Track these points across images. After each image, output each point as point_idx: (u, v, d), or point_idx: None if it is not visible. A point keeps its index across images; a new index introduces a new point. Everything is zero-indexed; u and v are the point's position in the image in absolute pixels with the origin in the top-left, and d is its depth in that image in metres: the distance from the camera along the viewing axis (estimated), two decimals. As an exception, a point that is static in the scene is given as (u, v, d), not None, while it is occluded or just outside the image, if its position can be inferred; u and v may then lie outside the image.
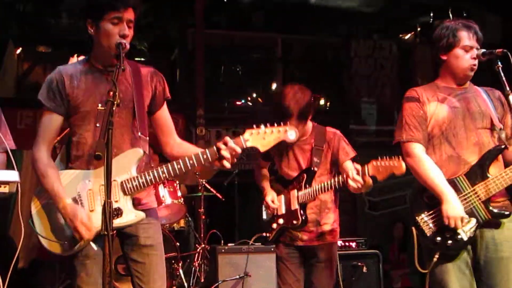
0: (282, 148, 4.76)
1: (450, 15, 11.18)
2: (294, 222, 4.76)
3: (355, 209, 11.30)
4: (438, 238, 3.80)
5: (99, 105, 3.28)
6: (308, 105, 4.62)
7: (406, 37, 12.52)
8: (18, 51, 11.08)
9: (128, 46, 3.28)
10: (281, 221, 4.83)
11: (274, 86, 12.32)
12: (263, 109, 11.78)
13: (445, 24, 4.00)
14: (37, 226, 3.34)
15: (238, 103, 12.25)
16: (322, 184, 4.63)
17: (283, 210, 4.84)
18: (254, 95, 12.58)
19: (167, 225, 6.91)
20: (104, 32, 3.31)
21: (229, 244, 6.22)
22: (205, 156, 3.35)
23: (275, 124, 3.44)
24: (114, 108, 2.87)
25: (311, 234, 4.79)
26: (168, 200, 6.58)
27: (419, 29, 12.15)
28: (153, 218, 3.57)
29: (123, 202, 3.33)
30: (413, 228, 3.92)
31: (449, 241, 3.76)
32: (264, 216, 4.97)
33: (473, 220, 3.76)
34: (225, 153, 3.31)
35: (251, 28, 11.82)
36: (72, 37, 10.63)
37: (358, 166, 4.39)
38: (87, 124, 3.39)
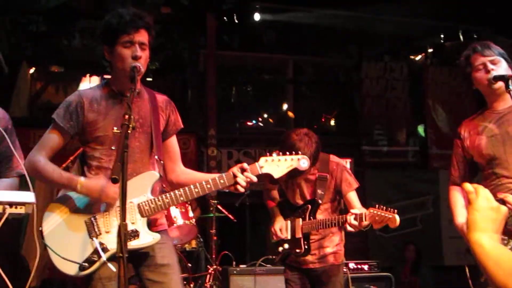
0: (287, 178, 4.80)
1: (461, 37, 11.20)
2: (297, 250, 4.82)
3: (366, 231, 11.21)
4: None
5: (115, 128, 3.30)
6: (318, 150, 4.63)
7: (417, 58, 12.54)
8: (31, 71, 11.16)
9: (143, 70, 3.32)
10: (286, 245, 4.89)
11: (285, 107, 12.35)
12: (274, 130, 11.80)
13: (462, 56, 4.05)
14: (52, 245, 3.32)
15: (249, 123, 12.27)
16: (326, 220, 4.69)
17: (288, 236, 4.89)
18: (265, 115, 12.61)
19: (179, 245, 6.89)
20: (118, 56, 3.35)
21: (241, 266, 6.21)
22: (222, 181, 3.41)
23: (287, 153, 3.56)
24: (129, 131, 2.88)
25: (314, 256, 4.84)
26: (180, 220, 6.56)
27: (430, 50, 12.16)
28: (167, 239, 3.60)
29: (140, 224, 3.35)
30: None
31: None
32: (272, 239, 5.01)
33: None
34: (240, 180, 3.39)
35: (263, 49, 11.87)
36: (84, 57, 10.74)
37: (357, 211, 4.45)
38: (106, 148, 3.41)
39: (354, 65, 12.09)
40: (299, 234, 4.82)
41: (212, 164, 9.98)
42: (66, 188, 3.39)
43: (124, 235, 2.74)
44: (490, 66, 3.89)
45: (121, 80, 3.43)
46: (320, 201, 4.85)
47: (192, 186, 3.41)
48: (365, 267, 6.92)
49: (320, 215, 4.80)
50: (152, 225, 3.47)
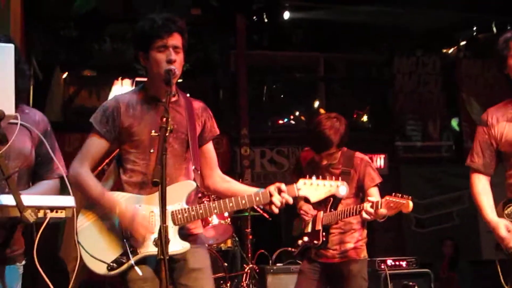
0: (314, 171, 4.80)
1: (494, 29, 11.06)
2: (315, 242, 4.85)
3: (401, 226, 11.17)
4: None
5: (153, 131, 3.33)
6: (346, 133, 4.72)
7: (450, 51, 12.40)
8: (64, 75, 11.30)
9: (177, 73, 3.33)
10: (306, 239, 4.92)
11: (316, 104, 12.31)
12: (306, 128, 11.78)
13: (500, 37, 3.92)
14: (83, 243, 3.36)
15: (281, 122, 12.26)
16: (344, 210, 4.73)
17: (309, 229, 4.93)
18: (297, 113, 12.58)
19: (215, 245, 6.92)
20: (153, 61, 3.37)
21: (278, 264, 6.20)
22: (257, 198, 3.43)
23: (327, 178, 3.60)
24: (167, 134, 2.90)
25: (334, 252, 4.86)
26: (215, 220, 6.59)
27: (462, 43, 12.02)
28: (200, 243, 3.61)
29: (171, 231, 3.33)
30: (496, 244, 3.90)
31: None
32: (294, 232, 5.07)
33: None
34: (276, 200, 3.40)
35: (293, 47, 11.85)
36: (115, 61, 10.82)
37: (373, 199, 4.51)
38: (141, 152, 3.43)
39: (385, 60, 12.00)
40: (319, 226, 4.85)
41: (245, 163, 9.99)
42: (103, 207, 3.38)
43: (165, 237, 2.77)
44: None
45: (156, 85, 3.44)
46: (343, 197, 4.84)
47: (227, 200, 3.43)
48: (403, 263, 6.84)
49: (342, 208, 4.81)
50: (185, 230, 3.49)
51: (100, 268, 3.33)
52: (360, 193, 4.92)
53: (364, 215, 4.48)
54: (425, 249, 10.50)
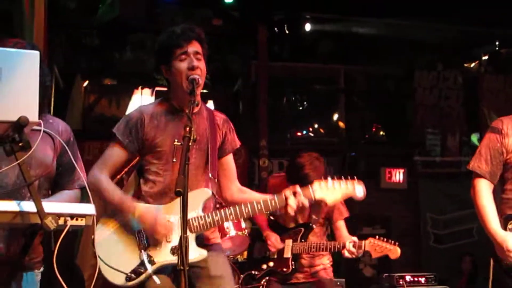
0: None
1: (516, 44, 10.99)
2: (285, 269, 4.99)
3: (419, 242, 11.10)
4: None
5: (176, 140, 3.34)
6: (325, 172, 4.82)
7: (471, 66, 12.33)
8: (85, 84, 11.36)
9: (201, 81, 3.33)
10: (271, 264, 5.06)
11: (335, 117, 12.28)
12: (324, 140, 11.75)
13: None
14: (101, 254, 3.36)
15: (299, 134, 12.23)
16: (319, 245, 4.93)
17: (275, 255, 5.06)
18: (316, 126, 12.55)
19: (231, 256, 6.88)
20: (175, 71, 3.39)
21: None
22: (273, 203, 3.44)
23: (343, 178, 3.55)
24: (190, 143, 2.90)
25: (305, 273, 5.06)
26: (232, 231, 6.54)
27: (484, 58, 11.94)
28: (221, 251, 3.62)
29: (188, 239, 3.35)
30: (492, 259, 3.81)
31: None
32: (255, 254, 5.19)
33: None
34: (292, 203, 3.41)
35: (314, 59, 11.84)
36: (136, 70, 10.87)
37: (355, 239, 4.76)
38: (164, 163, 3.44)
39: (406, 74, 11.95)
40: (287, 254, 4.99)
41: (263, 175, 9.97)
42: (122, 211, 3.41)
43: (186, 247, 2.76)
44: None
45: (180, 95, 3.45)
46: (314, 226, 5.08)
47: (242, 206, 3.44)
48: (422, 279, 6.80)
49: (311, 238, 5.04)
50: (205, 239, 3.49)
51: (118, 279, 3.34)
52: (326, 222, 5.13)
53: (346, 254, 4.74)
54: (443, 265, 10.40)
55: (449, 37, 11.34)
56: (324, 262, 5.09)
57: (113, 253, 3.38)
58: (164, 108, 3.52)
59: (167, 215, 3.37)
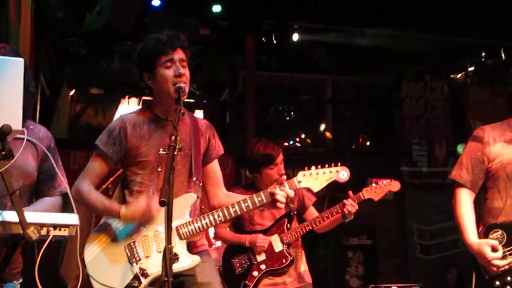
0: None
1: (503, 55, 11.05)
2: (284, 261, 4.86)
3: (406, 253, 11.10)
4: (497, 283, 3.63)
5: (161, 149, 3.30)
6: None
7: (458, 77, 12.39)
8: (71, 93, 11.30)
9: (187, 90, 3.31)
10: (263, 266, 4.89)
11: (323, 127, 12.29)
12: (311, 151, 11.75)
13: None
14: (93, 273, 3.32)
15: (286, 144, 12.23)
16: (314, 220, 4.88)
17: (262, 257, 4.91)
18: (303, 136, 12.55)
19: (217, 267, 6.85)
20: (161, 79, 3.36)
21: None
22: (259, 198, 3.41)
23: (326, 165, 3.58)
24: (175, 153, 2.87)
25: (292, 277, 4.92)
26: (218, 242, 6.54)
27: (470, 69, 12.00)
28: (209, 258, 3.59)
29: (178, 247, 3.33)
30: (474, 272, 3.79)
31: (508, 287, 3.62)
32: (237, 271, 4.96)
33: None
34: (280, 197, 3.38)
35: (301, 69, 11.86)
36: (123, 79, 10.83)
37: (351, 194, 4.79)
38: (149, 173, 3.41)
39: (393, 84, 11.99)
40: (279, 247, 4.89)
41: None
42: (109, 216, 3.39)
43: (170, 258, 2.73)
44: None
45: (165, 103, 3.42)
46: (294, 212, 5.02)
47: (230, 206, 3.41)
48: (408, 290, 6.81)
49: (293, 226, 4.98)
50: (192, 247, 3.46)
51: None
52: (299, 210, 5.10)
53: (348, 209, 4.71)
54: (429, 276, 10.42)
55: (436, 48, 11.40)
56: (304, 262, 5.03)
57: (105, 270, 3.33)
58: (147, 116, 3.48)
59: (155, 226, 3.35)
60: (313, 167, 3.54)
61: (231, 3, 9.91)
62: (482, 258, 3.61)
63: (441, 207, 11.09)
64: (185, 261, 3.32)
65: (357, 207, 4.77)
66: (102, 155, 3.42)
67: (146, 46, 3.43)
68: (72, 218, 2.63)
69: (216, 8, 9.85)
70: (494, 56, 11.38)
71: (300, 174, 3.52)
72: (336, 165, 3.59)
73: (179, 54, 3.39)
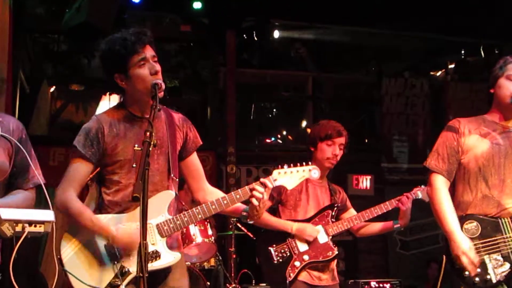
0: (300, 188, 4.92)
1: (482, 52, 11.13)
2: (329, 253, 4.79)
3: (387, 249, 11.15)
4: (467, 272, 3.67)
5: (136, 145, 3.28)
6: None
7: (438, 74, 12.46)
8: (52, 89, 11.23)
9: (163, 86, 3.28)
10: (306, 257, 4.80)
11: (304, 124, 12.32)
12: (293, 147, 11.77)
13: (502, 58, 3.89)
14: (73, 271, 3.27)
15: (268, 140, 12.25)
16: (363, 215, 4.95)
17: (305, 247, 4.82)
18: (284, 132, 12.58)
19: (198, 263, 6.86)
20: (136, 78, 3.30)
21: (261, 284, 6.14)
22: (238, 196, 3.44)
23: (298, 164, 3.64)
24: (150, 149, 2.86)
25: (327, 274, 4.86)
26: (198, 238, 6.53)
27: (451, 66, 12.08)
28: (181, 261, 3.54)
29: (160, 244, 3.33)
30: (444, 256, 3.82)
31: (477, 278, 3.65)
32: (275, 259, 4.82)
33: (507, 265, 3.65)
34: (257, 193, 3.42)
35: (282, 66, 11.87)
36: (104, 76, 10.78)
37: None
38: (126, 172, 3.38)
39: (374, 81, 12.04)
40: (324, 239, 4.83)
41: (231, 182, 9.95)
42: (94, 232, 3.32)
43: (145, 254, 2.72)
44: None
45: (141, 101, 3.38)
46: (338, 205, 5.04)
47: (209, 203, 3.42)
48: (387, 286, 6.83)
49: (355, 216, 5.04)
50: (169, 247, 3.44)
51: None
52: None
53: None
54: (410, 272, 10.48)
55: (417, 45, 11.46)
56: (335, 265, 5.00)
57: (85, 268, 3.29)
58: (122, 115, 3.44)
59: (133, 223, 3.31)
60: (285, 166, 3.59)
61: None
62: (459, 248, 3.65)
63: (421, 203, 11.12)
64: (166, 258, 3.32)
65: (410, 204, 4.97)
66: (82, 157, 3.36)
67: (114, 47, 3.31)
68: (48, 215, 2.62)
69: (197, 5, 9.82)
70: (473, 54, 11.45)
71: (275, 172, 3.55)
72: (307, 164, 3.64)
73: (149, 51, 3.34)
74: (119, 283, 3.26)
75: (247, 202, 3.52)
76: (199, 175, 3.70)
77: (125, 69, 3.30)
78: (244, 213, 3.57)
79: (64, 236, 3.35)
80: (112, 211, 3.38)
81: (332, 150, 4.94)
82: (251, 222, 3.72)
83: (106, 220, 3.34)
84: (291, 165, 3.62)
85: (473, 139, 3.82)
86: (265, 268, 4.88)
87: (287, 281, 4.72)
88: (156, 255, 3.30)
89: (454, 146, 3.86)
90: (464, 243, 3.64)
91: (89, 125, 3.42)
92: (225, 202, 3.42)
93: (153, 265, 3.26)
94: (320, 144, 4.96)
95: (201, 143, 3.69)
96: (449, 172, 3.87)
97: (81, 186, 3.43)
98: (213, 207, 3.41)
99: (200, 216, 3.41)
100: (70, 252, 3.30)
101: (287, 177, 3.57)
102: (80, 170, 3.38)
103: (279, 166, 3.60)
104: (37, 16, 9.77)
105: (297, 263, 4.76)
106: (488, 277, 3.63)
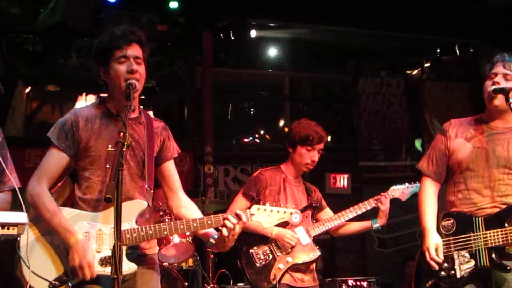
0: (278, 189, 4.86)
1: (457, 51, 11.20)
2: (312, 255, 4.80)
3: (364, 247, 11.19)
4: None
5: (109, 146, 3.26)
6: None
7: (414, 73, 12.53)
8: (27, 90, 11.12)
9: (138, 86, 3.28)
10: (289, 259, 4.79)
11: (281, 123, 12.32)
12: (270, 147, 11.77)
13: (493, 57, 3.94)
14: (25, 257, 3.22)
15: (246, 140, 12.24)
16: (345, 213, 4.98)
17: (288, 249, 4.82)
18: (262, 132, 12.57)
19: (175, 264, 6.83)
20: (113, 73, 3.33)
21: (239, 284, 6.13)
22: (209, 222, 3.40)
23: (281, 204, 3.60)
24: (124, 149, 2.85)
25: (309, 274, 4.89)
26: (176, 239, 6.51)
27: (426, 65, 12.15)
28: (153, 264, 3.55)
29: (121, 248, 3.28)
30: (419, 250, 3.94)
31: (442, 272, 3.76)
32: (258, 262, 4.82)
33: (472, 262, 3.72)
34: (229, 224, 3.35)
35: (259, 65, 11.87)
36: (81, 76, 10.71)
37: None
38: (97, 168, 3.36)
39: (351, 80, 12.07)
40: (306, 240, 4.82)
41: (208, 182, 9.92)
42: (59, 234, 3.28)
43: (119, 256, 2.70)
44: (500, 79, 3.77)
45: (117, 99, 3.39)
46: (317, 205, 5.08)
47: (178, 223, 3.37)
48: (364, 283, 6.87)
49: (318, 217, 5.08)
50: (139, 249, 3.43)
51: (40, 286, 3.22)
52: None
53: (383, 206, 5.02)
54: (387, 269, 10.53)
55: (393, 44, 11.51)
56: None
57: (39, 258, 3.26)
58: (100, 111, 3.45)
59: (98, 224, 3.29)
60: (267, 204, 3.52)
61: (188, -1, 9.87)
62: (427, 242, 3.86)
63: (398, 202, 11.20)
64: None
65: (388, 204, 5.00)
66: (56, 149, 3.36)
67: (102, 39, 3.41)
68: (21, 217, 2.58)
69: (173, 4, 9.76)
70: (449, 53, 11.52)
71: (255, 207, 3.50)
72: (289, 207, 3.56)
73: (133, 50, 3.36)
74: (67, 280, 3.22)
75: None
76: (173, 183, 3.69)
77: (107, 62, 3.34)
78: (212, 240, 3.50)
79: (29, 222, 3.29)
80: (82, 208, 3.35)
81: (311, 156, 4.93)
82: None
83: (73, 214, 3.31)
84: (274, 204, 3.55)
85: (458, 143, 3.94)
86: (248, 271, 4.85)
87: (271, 285, 4.72)
88: (109, 261, 3.23)
89: (442, 149, 4.01)
90: (430, 240, 3.79)
91: (65, 117, 3.44)
92: (194, 225, 3.38)
93: (105, 270, 3.21)
94: (300, 148, 4.93)
95: (177, 155, 3.70)
96: (438, 174, 4.02)
97: (54, 178, 3.41)
98: (181, 227, 3.37)
99: (165, 232, 3.37)
100: (28, 239, 3.24)
101: (266, 215, 3.49)
102: (54, 161, 3.38)
103: (260, 202, 3.63)
104: (11, 16, 9.65)
105: (281, 266, 4.76)
106: (453, 272, 3.75)
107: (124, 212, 3.22)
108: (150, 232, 3.33)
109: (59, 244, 3.28)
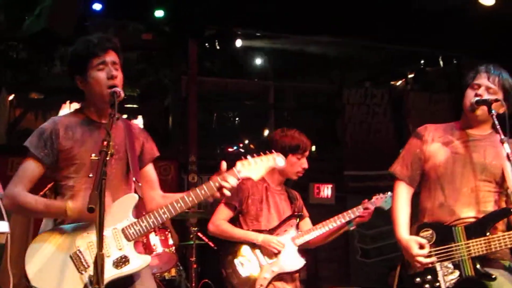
0: (260, 198, 4.84)
1: (441, 63, 11.28)
2: (297, 263, 4.77)
3: (347, 257, 11.20)
4: (418, 279, 3.75)
5: (93, 155, 3.25)
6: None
7: (398, 84, 12.60)
8: (10, 97, 11.05)
9: (122, 94, 3.29)
10: (275, 268, 4.75)
11: (266, 132, 12.33)
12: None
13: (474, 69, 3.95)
14: (39, 284, 3.18)
15: (230, 149, 12.23)
16: (327, 224, 4.89)
17: (273, 258, 4.78)
18: (246, 141, 12.57)
19: (158, 274, 6.80)
20: (93, 81, 3.33)
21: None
22: (203, 192, 3.39)
23: (261, 153, 3.58)
24: (107, 158, 2.84)
25: (291, 284, 4.83)
26: (159, 248, 6.49)
27: (410, 76, 12.22)
28: (147, 267, 3.52)
29: (127, 249, 3.29)
30: (399, 265, 3.90)
31: (426, 285, 3.71)
32: (242, 272, 4.76)
33: (457, 273, 3.70)
34: (226, 183, 3.39)
35: (244, 75, 11.88)
36: (64, 84, 10.61)
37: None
38: (81, 176, 3.35)
39: (335, 91, 12.11)
40: (292, 249, 4.79)
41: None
42: (54, 217, 3.30)
43: (101, 265, 2.70)
44: (482, 92, 3.76)
45: (98, 106, 3.39)
46: (301, 214, 5.03)
47: (174, 202, 3.36)
48: (347, 294, 6.87)
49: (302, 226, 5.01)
50: (139, 250, 3.42)
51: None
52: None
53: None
54: (371, 280, 10.53)
55: (377, 55, 11.58)
56: None
57: (54, 282, 3.19)
58: (79, 119, 3.45)
59: (90, 235, 3.27)
60: (249, 156, 3.53)
61: (174, 8, 9.86)
62: (408, 253, 3.75)
63: (381, 211, 11.22)
64: (136, 262, 3.29)
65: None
66: (33, 158, 3.35)
67: (77, 48, 3.41)
68: (2, 226, 2.57)
69: (159, 13, 9.76)
70: (433, 64, 11.60)
71: (239, 164, 3.50)
72: (271, 153, 3.58)
73: (111, 56, 3.37)
74: None
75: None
76: (153, 185, 3.69)
77: (84, 71, 3.34)
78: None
79: (27, 253, 3.26)
80: (71, 221, 3.32)
81: (301, 164, 4.95)
82: None
83: (69, 230, 3.29)
84: (254, 155, 3.55)
85: (435, 147, 3.90)
86: (233, 281, 4.78)
87: None
88: (124, 260, 3.25)
89: (417, 153, 3.94)
90: (411, 248, 3.72)
91: (44, 126, 3.44)
92: (190, 199, 3.37)
93: (122, 271, 3.22)
94: (291, 156, 4.91)
95: (157, 154, 3.71)
96: (411, 178, 3.96)
97: (31, 185, 3.38)
98: (179, 205, 3.36)
99: (166, 215, 3.36)
100: (36, 267, 3.21)
101: (252, 168, 3.49)
102: (31, 169, 3.36)
103: (242, 158, 3.54)
104: (-5, 23, 9.61)
105: (266, 275, 4.73)
106: (437, 284, 3.68)
107: (119, 210, 3.23)
108: (151, 220, 3.34)
109: (67, 260, 3.24)
